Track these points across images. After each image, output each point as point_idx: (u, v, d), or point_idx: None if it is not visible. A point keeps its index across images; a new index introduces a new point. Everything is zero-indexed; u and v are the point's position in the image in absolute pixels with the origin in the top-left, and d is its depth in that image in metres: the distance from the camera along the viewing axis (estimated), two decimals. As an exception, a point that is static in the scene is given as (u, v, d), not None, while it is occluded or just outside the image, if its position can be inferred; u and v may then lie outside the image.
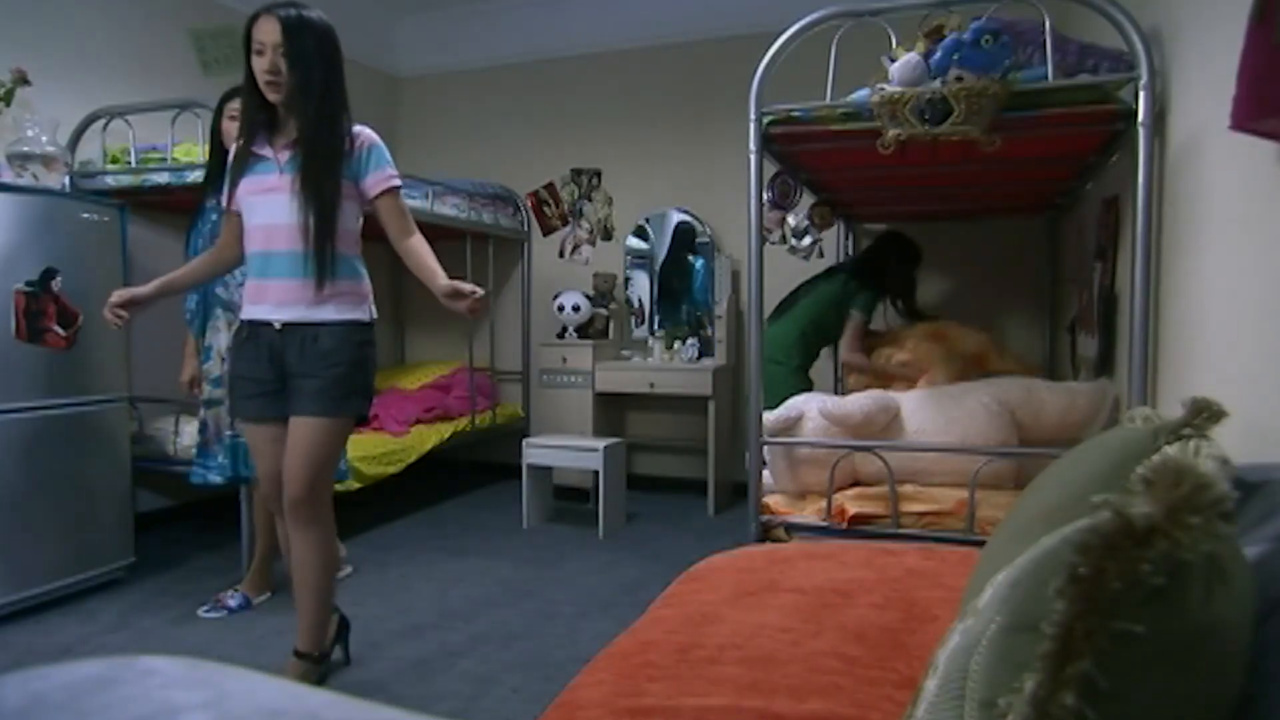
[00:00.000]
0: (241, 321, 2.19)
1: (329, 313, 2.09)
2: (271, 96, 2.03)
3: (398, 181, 2.16)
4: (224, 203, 2.23)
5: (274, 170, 2.08)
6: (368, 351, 2.17)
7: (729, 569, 1.66)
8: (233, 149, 2.21)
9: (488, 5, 5.01)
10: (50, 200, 2.84)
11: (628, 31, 4.79)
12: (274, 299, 2.10)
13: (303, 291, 2.07)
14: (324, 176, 2.04)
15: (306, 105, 2.02)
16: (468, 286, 2.07)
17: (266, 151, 2.10)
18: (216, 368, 2.84)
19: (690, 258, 4.77)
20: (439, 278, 2.11)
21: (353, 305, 2.14)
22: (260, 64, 2.00)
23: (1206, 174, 1.76)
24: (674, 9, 4.65)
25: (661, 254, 4.86)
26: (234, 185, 2.14)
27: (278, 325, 2.09)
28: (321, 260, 2.05)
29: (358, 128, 2.11)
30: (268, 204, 2.08)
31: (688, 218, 4.74)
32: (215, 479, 2.90)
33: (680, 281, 4.82)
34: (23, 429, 2.71)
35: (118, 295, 2.12)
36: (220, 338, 2.83)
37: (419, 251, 2.18)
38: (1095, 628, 0.57)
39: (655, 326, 4.81)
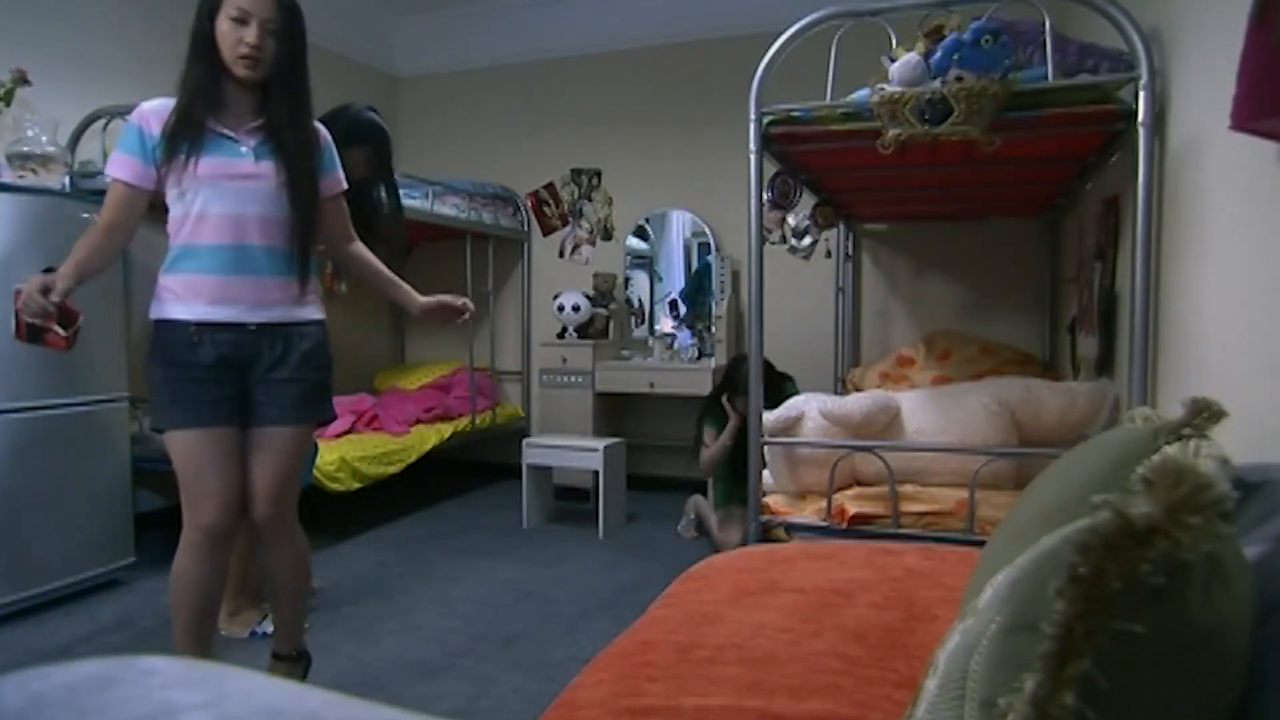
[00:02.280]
0: (190, 324, 1.87)
1: (310, 312, 1.99)
2: (244, 72, 1.83)
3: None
4: (137, 174, 1.86)
5: (245, 155, 1.88)
6: (331, 352, 2.09)
7: (729, 569, 1.66)
8: (166, 117, 1.86)
9: (488, 5, 5.01)
10: (50, 200, 2.84)
11: (628, 31, 4.79)
12: (250, 298, 1.89)
13: (286, 290, 1.93)
14: (311, 170, 1.95)
15: (292, 92, 1.90)
16: (455, 300, 2.11)
17: (227, 131, 1.87)
18: None
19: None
20: (411, 291, 2.14)
21: (319, 304, 2.05)
22: (242, 34, 1.79)
23: (1206, 174, 1.76)
24: (674, 9, 4.65)
25: (674, 254, 4.87)
26: (178, 159, 1.84)
27: (253, 326, 1.90)
28: (305, 258, 1.96)
29: (315, 122, 2.01)
30: (240, 192, 1.87)
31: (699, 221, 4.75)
32: None
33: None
34: (23, 429, 2.71)
35: (38, 284, 1.73)
36: None
37: (371, 260, 2.15)
38: (1095, 628, 0.57)
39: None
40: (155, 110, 1.87)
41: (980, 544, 1.55)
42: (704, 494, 3.81)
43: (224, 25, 1.80)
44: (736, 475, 3.39)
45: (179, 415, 1.89)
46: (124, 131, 1.89)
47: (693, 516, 3.79)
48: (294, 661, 2.15)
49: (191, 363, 1.87)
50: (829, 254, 4.42)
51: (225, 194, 1.87)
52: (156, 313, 1.91)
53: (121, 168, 1.87)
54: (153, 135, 1.86)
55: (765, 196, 3.20)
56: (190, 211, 1.87)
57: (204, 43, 1.83)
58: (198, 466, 1.90)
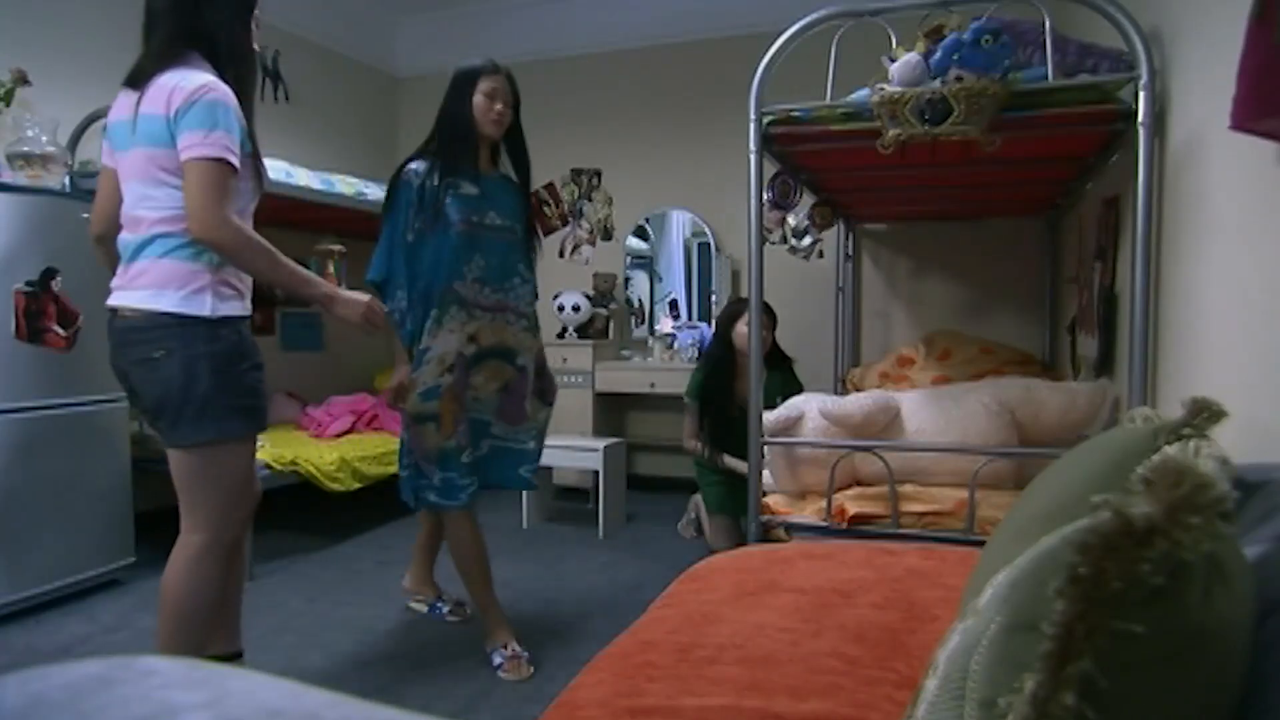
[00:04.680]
0: (243, 318, 1.86)
1: None
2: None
3: None
4: (237, 158, 1.74)
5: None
6: None
7: (729, 569, 1.66)
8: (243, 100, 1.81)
9: (488, 5, 5.01)
10: (50, 200, 2.84)
11: (628, 31, 4.79)
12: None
13: None
14: None
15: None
16: None
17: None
18: (433, 376, 2.38)
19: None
20: None
21: None
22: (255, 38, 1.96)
23: (1206, 174, 1.76)
24: (674, 9, 4.65)
25: (674, 254, 4.87)
26: (246, 154, 1.80)
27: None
28: None
29: None
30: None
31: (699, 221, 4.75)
32: (447, 501, 2.63)
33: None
34: (23, 429, 2.71)
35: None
36: (450, 340, 2.38)
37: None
38: (1095, 628, 0.57)
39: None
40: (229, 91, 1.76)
41: (980, 544, 1.55)
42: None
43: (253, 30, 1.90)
44: (729, 482, 3.36)
45: (259, 420, 1.87)
46: (227, 114, 1.72)
47: (694, 515, 3.79)
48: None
49: (261, 364, 1.89)
50: (820, 254, 4.42)
51: (256, 189, 1.92)
52: (217, 309, 1.78)
53: (237, 157, 1.74)
54: (241, 123, 1.79)
55: (765, 196, 3.19)
56: (249, 207, 1.89)
57: (245, 38, 1.86)
58: (247, 474, 1.90)
